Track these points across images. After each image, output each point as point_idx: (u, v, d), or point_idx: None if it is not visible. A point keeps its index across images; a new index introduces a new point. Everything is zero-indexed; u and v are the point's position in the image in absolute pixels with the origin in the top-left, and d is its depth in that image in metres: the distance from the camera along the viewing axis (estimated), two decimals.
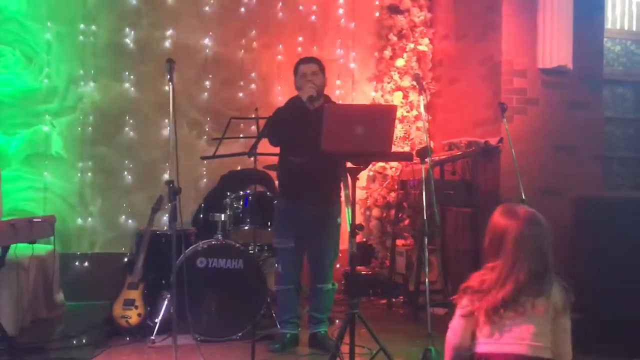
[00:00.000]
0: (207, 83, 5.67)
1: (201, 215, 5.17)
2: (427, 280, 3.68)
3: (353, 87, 6.14)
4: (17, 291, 3.93)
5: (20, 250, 4.04)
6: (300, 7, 5.98)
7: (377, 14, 6.22)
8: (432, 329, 3.49)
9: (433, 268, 5.25)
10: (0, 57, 5.22)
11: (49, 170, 5.30)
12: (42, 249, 4.66)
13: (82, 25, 5.40)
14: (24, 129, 5.27)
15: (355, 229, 3.18)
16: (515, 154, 4.07)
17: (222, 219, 4.27)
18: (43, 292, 4.55)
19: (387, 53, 6.09)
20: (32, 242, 3.82)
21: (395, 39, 6.10)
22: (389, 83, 6.05)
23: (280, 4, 5.92)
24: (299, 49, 5.91)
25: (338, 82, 6.07)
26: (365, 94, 6.15)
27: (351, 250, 3.23)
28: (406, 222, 5.72)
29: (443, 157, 5.09)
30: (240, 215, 4.33)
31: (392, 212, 5.76)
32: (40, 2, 5.31)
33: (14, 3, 5.25)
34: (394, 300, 5.34)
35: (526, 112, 4.86)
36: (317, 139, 3.14)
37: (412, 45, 6.08)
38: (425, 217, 3.73)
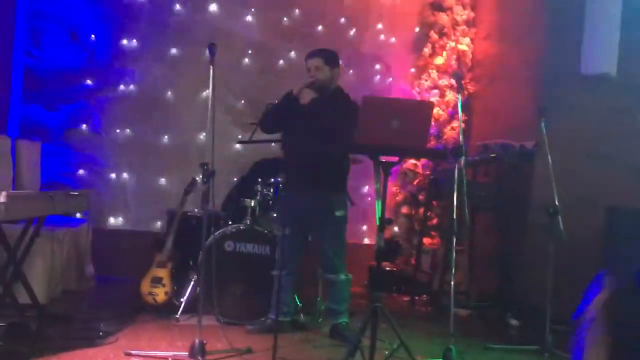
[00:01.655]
0: (245, 69, 5.73)
1: (232, 200, 5.22)
2: (452, 280, 3.67)
3: (391, 83, 6.11)
4: (50, 261, 4.04)
5: (55, 222, 4.15)
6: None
7: (420, 10, 6.18)
8: (454, 329, 3.48)
9: (459, 269, 5.22)
10: (46, 33, 5.34)
11: (88, 146, 5.42)
12: (76, 222, 4.79)
13: (126, 4, 5.49)
14: (65, 104, 5.39)
15: (384, 223, 3.18)
16: (550, 160, 4.01)
17: (252, 204, 4.31)
18: (75, 264, 4.67)
19: (427, 50, 6.05)
20: (68, 214, 3.92)
21: (436, 36, 6.06)
22: (426, 81, 6.01)
23: None
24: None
25: (377, 78, 6.06)
26: (403, 90, 6.12)
27: (378, 244, 3.23)
28: (434, 220, 5.69)
29: (476, 158, 5.04)
30: (270, 202, 4.36)
31: (421, 210, 5.73)
32: None
33: None
34: (417, 298, 5.33)
35: (565, 117, 4.77)
36: (314, 130, 3.34)
37: (452, 44, 6.03)
38: (454, 217, 3.71)
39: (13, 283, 3.62)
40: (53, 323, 3.68)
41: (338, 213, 3.86)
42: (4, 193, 2.96)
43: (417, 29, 6.17)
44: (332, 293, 4.00)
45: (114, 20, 5.48)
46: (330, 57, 3.91)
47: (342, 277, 3.92)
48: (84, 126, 5.44)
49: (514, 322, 4.63)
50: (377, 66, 6.07)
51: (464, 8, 6.11)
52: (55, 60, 5.37)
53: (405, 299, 5.40)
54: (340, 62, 4.05)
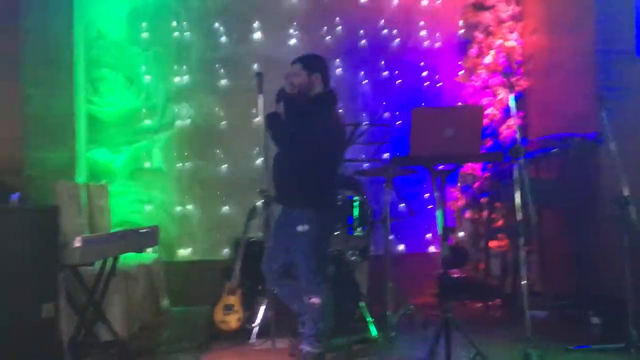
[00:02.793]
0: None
1: None
2: (524, 282, 3.57)
3: (440, 88, 6.07)
4: (127, 298, 4.20)
5: (128, 259, 4.32)
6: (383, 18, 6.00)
7: (462, 12, 6.13)
8: (531, 333, 3.39)
9: (531, 270, 5.08)
10: (104, 80, 5.60)
11: (151, 184, 5.63)
12: (147, 257, 4.97)
13: (176, 44, 5.70)
14: (128, 145, 5.63)
15: (447, 231, 3.16)
16: (616, 148, 3.87)
17: None
18: (150, 298, 4.83)
19: (474, 51, 5.98)
20: (139, 251, 4.07)
21: (481, 36, 5.98)
22: (476, 82, 5.93)
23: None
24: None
25: (426, 85, 6.03)
26: (452, 94, 6.06)
27: (444, 253, 3.21)
28: (500, 223, 5.57)
29: (537, 154, 4.92)
30: None
31: (485, 213, 5.63)
32: (139, 27, 5.66)
33: (115, 29, 5.63)
34: (489, 303, 5.21)
35: (626, 103, 4.60)
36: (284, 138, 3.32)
37: (499, 42, 5.93)
38: (520, 218, 3.62)
39: (94, 322, 3.78)
40: (135, 358, 3.82)
41: (300, 228, 3.52)
42: (78, 238, 3.12)
43: (461, 31, 6.12)
44: (307, 316, 3.63)
45: (165, 60, 5.69)
46: (309, 62, 3.72)
47: (314, 299, 3.54)
48: (146, 164, 5.65)
49: (595, 320, 4.45)
50: (424, 73, 6.05)
51: (508, 4, 6.01)
52: (115, 105, 5.62)
53: (478, 305, 5.30)
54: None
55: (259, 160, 5.61)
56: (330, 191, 3.70)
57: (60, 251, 3.14)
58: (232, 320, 4.26)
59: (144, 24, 5.66)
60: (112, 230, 4.80)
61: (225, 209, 5.66)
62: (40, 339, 3.07)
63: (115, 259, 3.86)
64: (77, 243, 3.12)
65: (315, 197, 3.54)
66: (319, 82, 3.68)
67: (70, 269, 3.36)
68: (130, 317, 4.24)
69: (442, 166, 3.49)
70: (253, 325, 4.21)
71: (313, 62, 3.74)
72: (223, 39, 5.77)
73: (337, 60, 5.86)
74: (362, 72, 5.92)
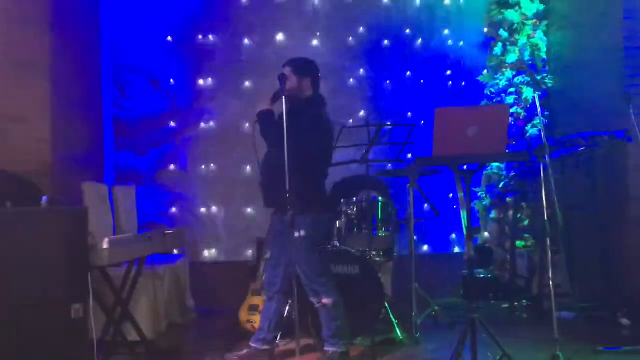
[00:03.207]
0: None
1: None
2: (551, 283, 3.53)
3: (464, 86, 6.03)
4: (153, 298, 4.25)
5: (155, 260, 4.37)
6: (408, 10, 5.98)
7: (486, 10, 6.09)
8: (559, 334, 3.35)
9: (558, 270, 5.01)
10: (129, 84, 5.68)
11: (177, 185, 5.69)
12: (174, 258, 5.02)
13: (200, 47, 5.74)
14: (153, 147, 5.70)
15: (471, 231, 3.14)
16: None
17: (337, 225, 4.35)
18: (176, 299, 4.88)
19: (498, 50, 5.93)
20: (166, 252, 4.11)
21: (506, 34, 5.93)
22: (501, 80, 5.88)
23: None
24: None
25: (450, 83, 6.00)
26: (477, 93, 6.02)
27: (468, 254, 3.19)
28: (526, 223, 5.51)
29: (563, 154, 4.85)
30: (355, 221, 4.39)
31: (510, 213, 5.57)
32: (165, 30, 5.72)
33: (141, 33, 5.70)
34: (516, 304, 5.16)
35: None
36: (277, 141, 3.35)
37: (524, 40, 5.87)
38: (546, 218, 3.59)
39: (122, 322, 3.83)
40: (162, 357, 3.86)
41: (296, 234, 3.53)
42: (106, 239, 3.17)
43: (485, 29, 6.08)
44: (321, 318, 3.74)
45: (190, 63, 5.74)
46: (299, 66, 3.73)
47: (322, 300, 3.63)
48: (172, 166, 5.71)
49: (625, 321, 4.38)
50: (448, 72, 6.01)
51: (533, 1, 5.95)
52: (141, 108, 5.69)
53: (504, 305, 5.24)
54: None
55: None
56: (320, 192, 3.73)
57: (89, 252, 3.19)
58: (257, 321, 4.27)
59: (169, 27, 5.71)
60: (138, 232, 4.86)
61: (250, 209, 5.69)
62: (70, 339, 3.12)
63: (142, 260, 3.91)
64: (105, 244, 3.17)
65: (306, 199, 3.51)
66: (309, 87, 3.73)
67: (99, 269, 3.41)
68: (157, 317, 4.29)
69: (467, 166, 3.48)
70: None
71: (304, 67, 3.77)
72: (247, 42, 5.79)
73: (361, 62, 5.85)
74: (386, 74, 5.90)
